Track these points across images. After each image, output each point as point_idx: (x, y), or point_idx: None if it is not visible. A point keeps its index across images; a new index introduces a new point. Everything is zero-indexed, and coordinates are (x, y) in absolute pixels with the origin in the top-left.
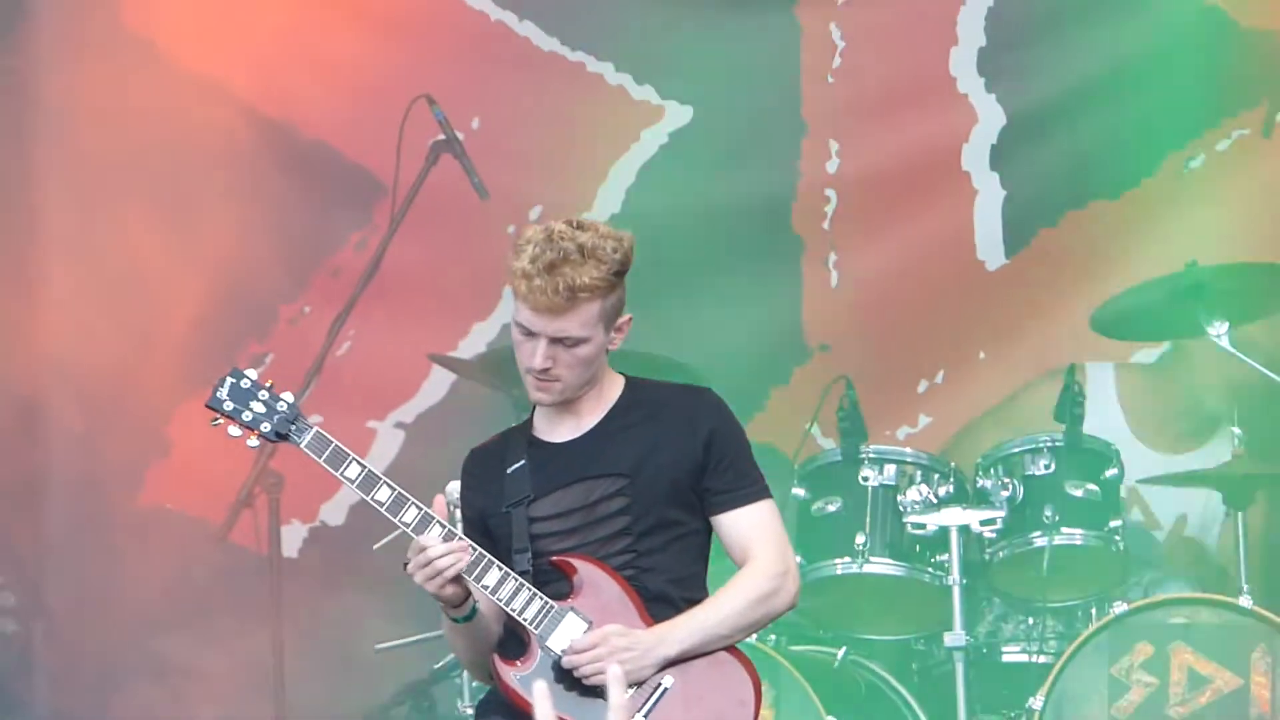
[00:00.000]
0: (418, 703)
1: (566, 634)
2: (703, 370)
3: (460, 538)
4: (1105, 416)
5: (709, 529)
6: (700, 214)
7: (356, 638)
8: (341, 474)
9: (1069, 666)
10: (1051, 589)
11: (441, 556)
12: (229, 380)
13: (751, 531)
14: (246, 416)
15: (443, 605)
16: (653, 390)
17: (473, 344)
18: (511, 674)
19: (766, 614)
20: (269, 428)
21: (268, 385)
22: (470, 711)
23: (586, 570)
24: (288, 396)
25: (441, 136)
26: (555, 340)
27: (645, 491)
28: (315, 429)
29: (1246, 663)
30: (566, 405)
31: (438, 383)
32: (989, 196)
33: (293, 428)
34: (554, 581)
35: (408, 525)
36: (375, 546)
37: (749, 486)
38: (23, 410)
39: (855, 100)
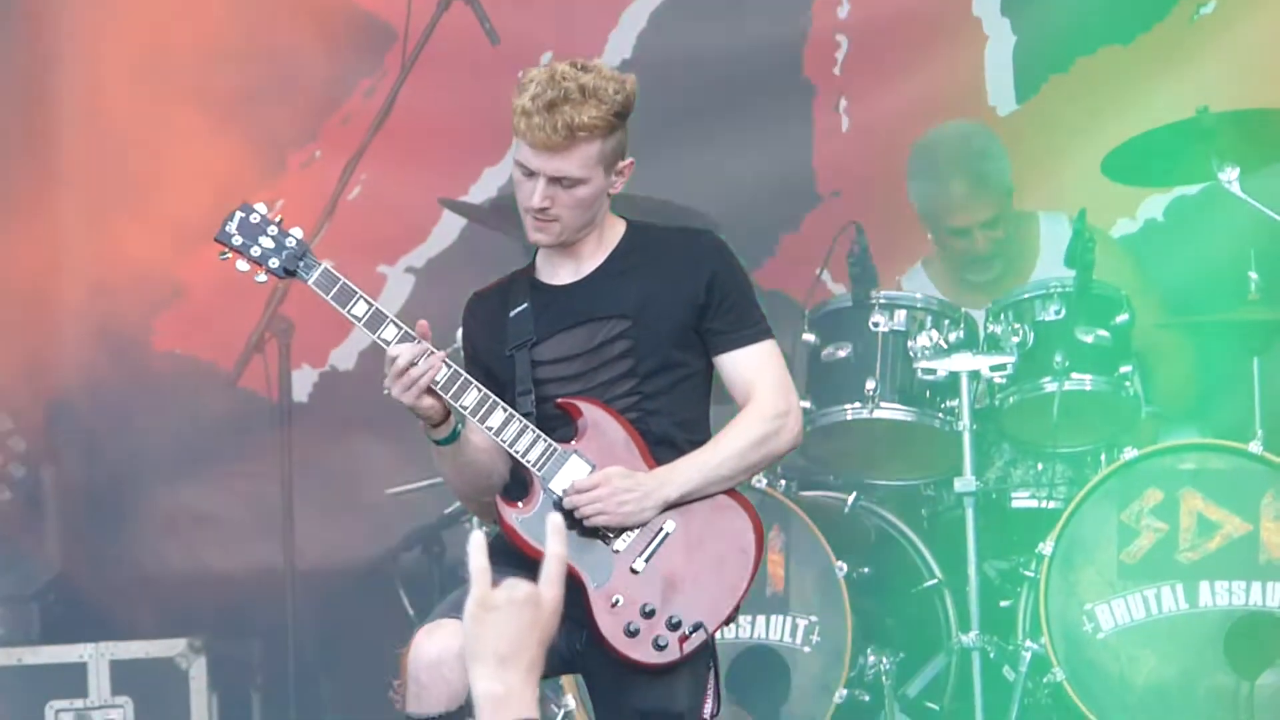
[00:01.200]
0: (427, 547)
1: (569, 476)
2: (713, 216)
3: (431, 349)
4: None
5: (711, 370)
6: (711, 59)
7: (366, 482)
8: (348, 311)
9: (1078, 512)
10: (1061, 435)
11: (410, 364)
12: (238, 214)
13: (752, 372)
14: (255, 251)
15: (424, 426)
16: (654, 234)
17: (484, 188)
18: (513, 515)
19: (767, 455)
20: (277, 263)
21: (277, 220)
22: None
23: (591, 413)
24: (296, 232)
25: None
26: (554, 180)
27: (648, 333)
28: (324, 265)
29: (1256, 508)
30: (567, 248)
31: (448, 227)
32: (1000, 42)
33: (300, 264)
34: (559, 425)
35: None
36: (386, 390)
37: (750, 327)
38: (34, 257)
39: None
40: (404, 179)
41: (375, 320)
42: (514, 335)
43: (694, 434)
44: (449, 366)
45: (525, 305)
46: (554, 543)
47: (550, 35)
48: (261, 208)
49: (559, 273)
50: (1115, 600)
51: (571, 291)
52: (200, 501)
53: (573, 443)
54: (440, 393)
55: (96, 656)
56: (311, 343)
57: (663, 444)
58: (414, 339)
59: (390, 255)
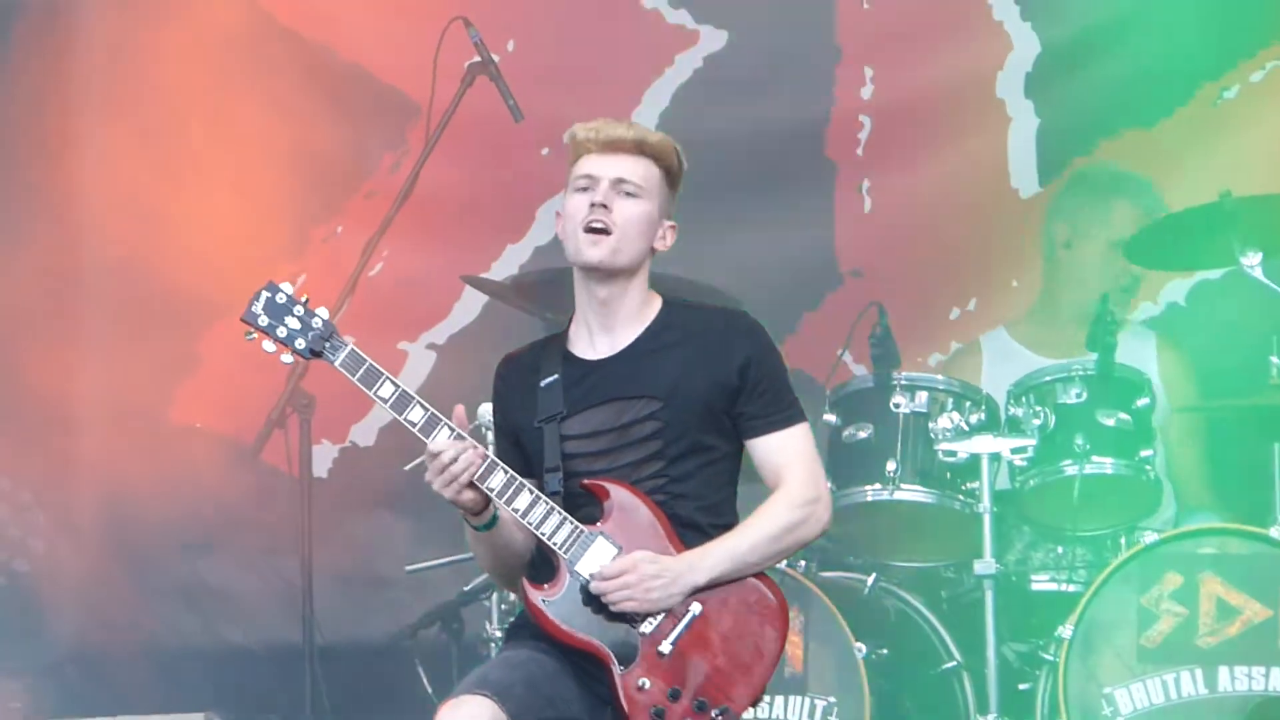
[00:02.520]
0: (447, 624)
1: (596, 559)
2: (735, 295)
3: (473, 443)
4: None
5: (739, 453)
6: (734, 139)
7: (386, 559)
8: (375, 393)
9: (1098, 596)
10: (1082, 518)
11: (453, 461)
12: (264, 294)
13: (785, 457)
14: (281, 332)
15: (463, 513)
16: (689, 312)
17: (505, 266)
18: (539, 597)
19: (796, 541)
20: (303, 344)
21: (303, 300)
22: (499, 634)
23: (619, 494)
24: (322, 313)
25: (477, 58)
26: (616, 184)
27: (679, 415)
28: (350, 346)
29: (1276, 594)
30: (604, 317)
31: (470, 304)
32: (1023, 124)
33: (327, 345)
34: (585, 504)
35: None
36: (405, 468)
37: (784, 411)
38: (53, 328)
39: (890, 26)
40: (426, 255)
41: (402, 402)
42: (544, 407)
43: (719, 518)
44: (496, 466)
45: (556, 376)
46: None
47: (573, 113)
48: (287, 287)
49: (594, 346)
50: (1134, 684)
51: (604, 366)
52: (219, 576)
53: (599, 524)
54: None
55: None
56: (332, 418)
57: (689, 528)
58: (441, 422)
59: (412, 331)
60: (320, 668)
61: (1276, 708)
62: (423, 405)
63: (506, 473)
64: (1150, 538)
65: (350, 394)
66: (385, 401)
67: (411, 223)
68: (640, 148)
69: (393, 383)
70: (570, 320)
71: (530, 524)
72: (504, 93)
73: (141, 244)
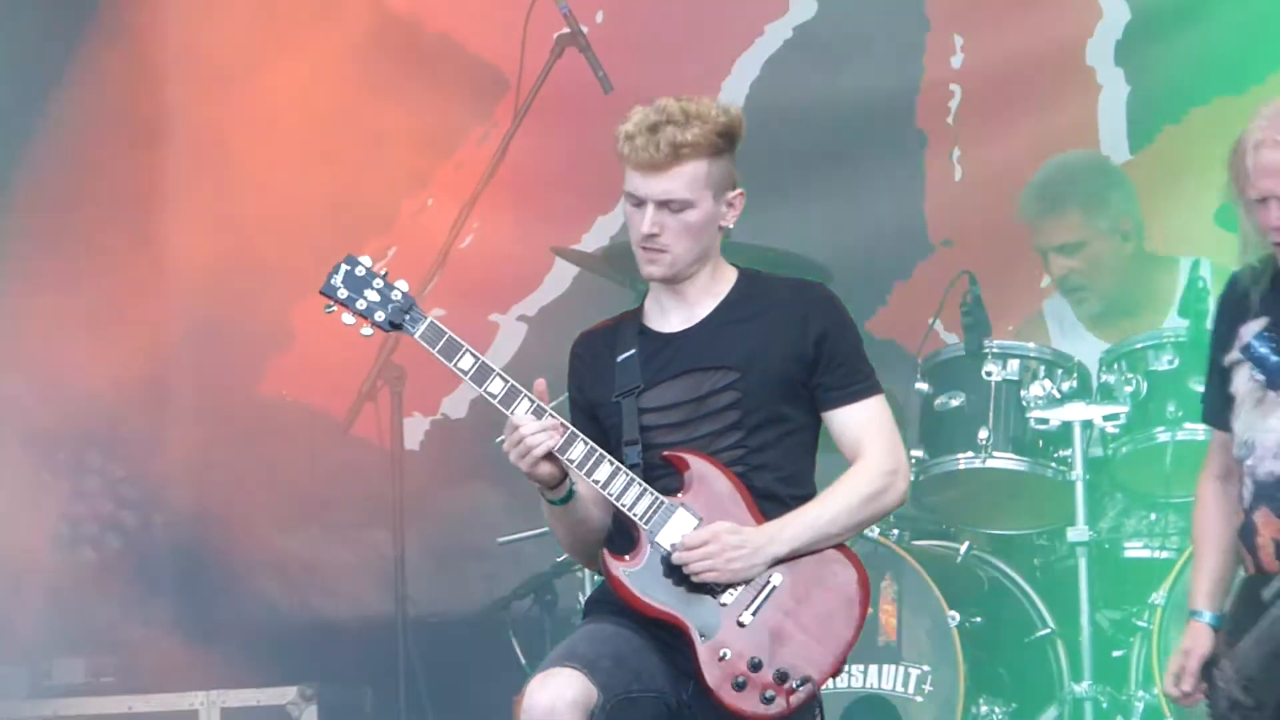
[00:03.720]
0: (540, 596)
1: (676, 529)
2: (826, 265)
3: (551, 415)
4: None
5: (818, 424)
6: (824, 108)
7: (478, 531)
8: (455, 365)
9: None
10: (1174, 485)
11: (533, 434)
12: (343, 267)
13: (863, 428)
14: (360, 305)
15: (539, 487)
16: (765, 283)
17: (596, 237)
18: (620, 568)
19: (876, 511)
20: (382, 316)
21: (382, 273)
22: None
23: (698, 465)
24: (402, 285)
25: (566, 30)
26: (661, 205)
27: (756, 386)
28: (430, 319)
29: None
30: (678, 293)
31: (560, 276)
32: (1113, 92)
33: (406, 317)
34: (664, 476)
35: None
36: (497, 439)
37: (861, 382)
38: (146, 300)
39: None
40: (516, 227)
41: (482, 374)
42: (621, 381)
43: (799, 489)
44: (576, 437)
45: (633, 351)
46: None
47: (663, 83)
48: (366, 260)
49: (669, 319)
50: None
51: (680, 339)
52: (312, 549)
53: (679, 495)
54: (555, 454)
55: (208, 704)
56: (423, 391)
57: (768, 498)
58: (520, 394)
59: (502, 304)
60: (413, 640)
61: None
62: (503, 377)
63: (587, 444)
64: None
65: (441, 367)
66: (465, 373)
67: (501, 195)
68: (677, 157)
69: (473, 355)
70: (646, 295)
71: (610, 495)
72: (593, 64)
73: (233, 217)
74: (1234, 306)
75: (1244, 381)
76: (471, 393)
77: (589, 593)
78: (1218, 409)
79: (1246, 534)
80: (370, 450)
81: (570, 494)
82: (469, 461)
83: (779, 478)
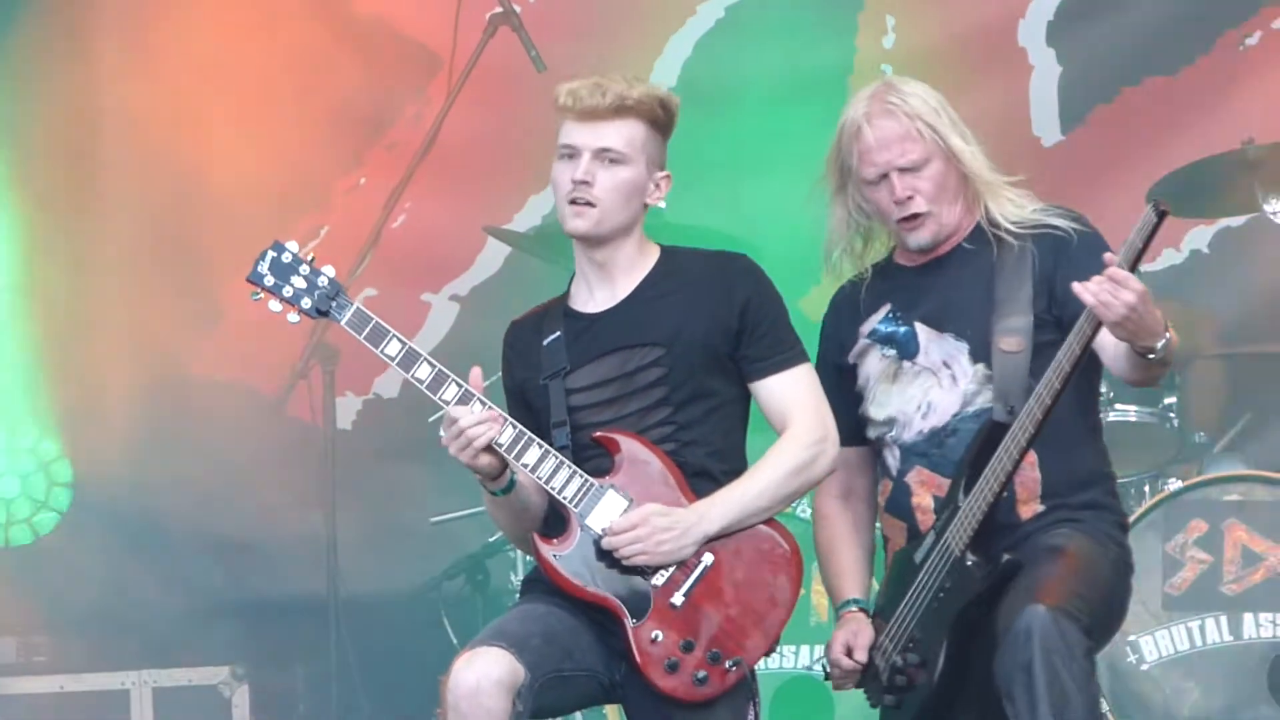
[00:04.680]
0: (472, 575)
1: (606, 512)
2: (758, 244)
3: (490, 407)
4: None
5: (747, 398)
6: (756, 88)
7: (411, 510)
8: (381, 351)
9: None
10: None
11: (472, 426)
12: (270, 254)
13: (789, 398)
14: (287, 292)
15: (480, 478)
16: (687, 258)
17: (528, 217)
18: (550, 552)
19: (805, 482)
20: (309, 303)
21: (309, 259)
22: None
23: (629, 446)
24: (329, 271)
25: (499, 9)
26: (597, 155)
27: (682, 360)
28: (356, 305)
29: None
30: (603, 270)
31: (492, 255)
32: (1045, 72)
33: (333, 304)
34: (595, 457)
35: (447, 402)
36: (430, 419)
37: (785, 352)
38: (78, 281)
39: None
40: (449, 206)
41: (409, 359)
42: (548, 364)
43: (730, 463)
44: (508, 422)
45: (559, 334)
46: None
47: (595, 62)
48: (293, 246)
49: (594, 298)
50: (1159, 632)
51: (604, 318)
52: (244, 529)
53: (609, 476)
54: (505, 452)
55: (139, 684)
56: (356, 370)
57: (700, 475)
58: (448, 379)
59: (434, 283)
60: (345, 620)
61: None
62: (430, 362)
63: (515, 428)
64: (1174, 485)
65: None
66: (392, 359)
67: (434, 174)
68: (620, 110)
69: (399, 340)
70: (571, 280)
71: (540, 478)
72: (526, 43)
73: (164, 198)
74: (844, 317)
75: (874, 364)
76: None
77: (521, 573)
78: (844, 426)
79: (899, 501)
80: (303, 430)
81: (511, 484)
82: (401, 441)
83: (710, 453)
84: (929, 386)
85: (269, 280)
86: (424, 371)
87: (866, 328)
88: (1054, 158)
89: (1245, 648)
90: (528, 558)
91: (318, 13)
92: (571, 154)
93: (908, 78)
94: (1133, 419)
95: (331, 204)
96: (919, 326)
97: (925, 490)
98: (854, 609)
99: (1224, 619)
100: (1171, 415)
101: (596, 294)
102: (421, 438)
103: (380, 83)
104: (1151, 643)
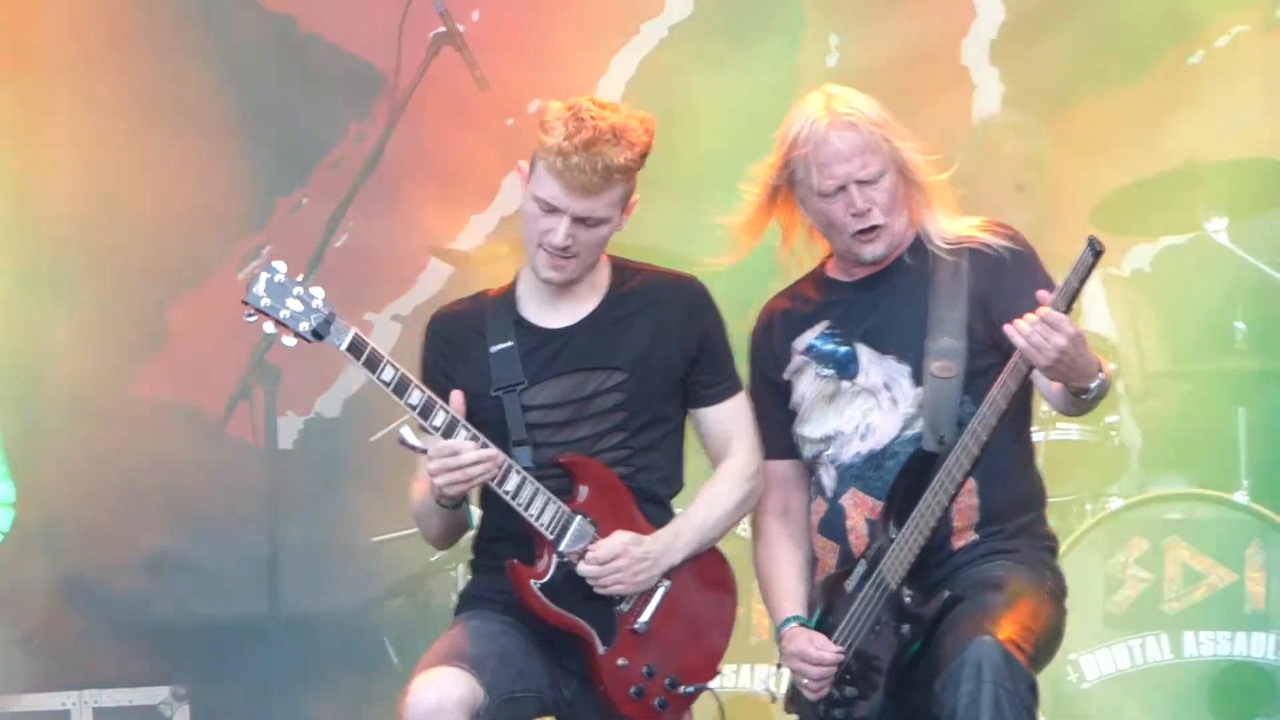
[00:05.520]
0: (413, 595)
1: (576, 539)
2: (706, 263)
3: (479, 438)
4: (1103, 319)
5: (685, 420)
6: (700, 107)
7: (352, 530)
8: (378, 377)
9: (1064, 561)
10: (1047, 483)
11: (473, 464)
12: (264, 275)
13: (733, 426)
14: (283, 314)
15: (438, 496)
16: (643, 277)
17: (471, 236)
18: (535, 584)
19: (745, 512)
20: (307, 327)
21: (299, 280)
22: None
23: (593, 472)
24: (319, 292)
25: (442, 29)
26: (578, 220)
27: (643, 386)
28: (354, 330)
29: (1241, 558)
30: (563, 290)
31: (435, 275)
32: (987, 91)
33: (331, 328)
34: (553, 478)
35: (437, 429)
36: (371, 439)
37: (731, 379)
38: (18, 302)
39: None
40: (392, 226)
41: (401, 386)
42: (499, 375)
43: (674, 487)
44: (504, 463)
45: (510, 344)
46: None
47: (539, 81)
48: (282, 266)
49: (553, 314)
50: (1100, 650)
51: (564, 336)
52: (185, 549)
53: (573, 502)
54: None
55: (80, 704)
56: (297, 390)
57: (650, 500)
58: (436, 405)
59: (377, 303)
60: (286, 639)
61: (1242, 673)
62: (420, 389)
63: (505, 460)
64: (1116, 504)
65: (315, 366)
66: (387, 385)
67: (377, 193)
68: (610, 181)
69: (393, 367)
70: (516, 281)
71: (519, 504)
72: (469, 63)
73: (106, 218)
74: (777, 332)
75: (809, 384)
76: (345, 392)
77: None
78: (768, 438)
79: (833, 523)
80: (244, 449)
81: (465, 500)
82: (342, 461)
83: (660, 478)
84: (868, 408)
85: (265, 302)
86: (415, 398)
87: (802, 343)
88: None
89: (1186, 666)
90: (469, 576)
91: (262, 31)
92: (551, 210)
93: (843, 87)
94: (1074, 437)
95: (274, 222)
96: (860, 347)
97: (860, 513)
98: (795, 625)
99: (1165, 637)
100: (1113, 433)
101: (558, 309)
102: (362, 457)
103: (323, 101)
104: (1093, 661)
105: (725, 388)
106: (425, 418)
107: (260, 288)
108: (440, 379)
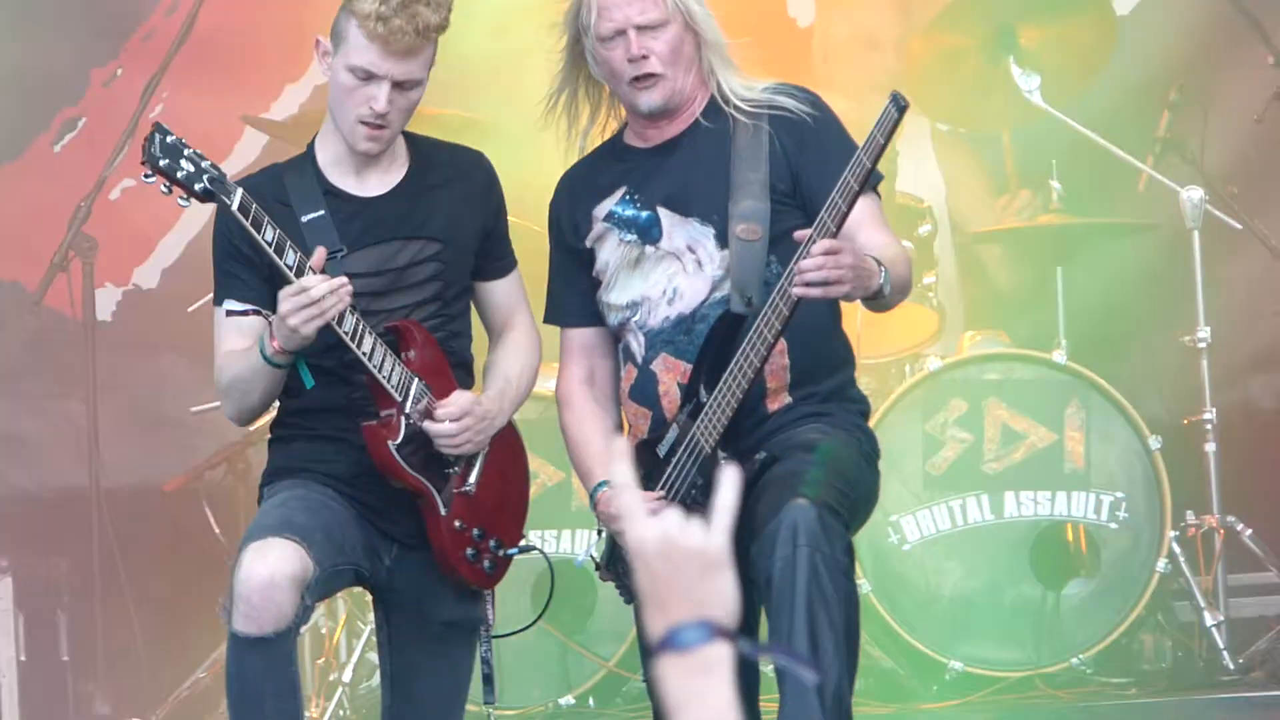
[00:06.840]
0: (232, 465)
1: (414, 400)
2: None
3: (345, 282)
4: (921, 179)
5: None
6: None
7: (171, 401)
8: (262, 237)
9: (883, 423)
10: (865, 345)
11: (326, 295)
12: (158, 136)
13: (513, 299)
14: (181, 174)
15: (277, 350)
16: (440, 150)
17: (285, 105)
18: (392, 445)
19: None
20: (201, 186)
21: (183, 140)
22: None
23: (421, 337)
24: (200, 152)
25: None
26: (397, 84)
27: (456, 258)
28: (242, 189)
29: (1060, 418)
30: (372, 158)
31: (250, 144)
32: None
33: (224, 187)
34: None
35: (290, 267)
36: (190, 309)
37: (510, 255)
38: None
39: None
40: (206, 96)
41: (280, 246)
42: (316, 244)
43: (471, 354)
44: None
45: (322, 212)
46: (727, 494)
47: None
48: (169, 128)
49: (365, 184)
50: (921, 512)
51: (377, 205)
52: (4, 421)
53: (410, 364)
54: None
55: None
56: (115, 261)
57: (459, 366)
58: (307, 265)
59: None
60: (107, 511)
61: (1061, 532)
62: (294, 249)
63: (354, 314)
64: (934, 364)
65: (132, 237)
66: (270, 245)
67: (191, 64)
68: (426, 40)
69: (273, 227)
70: (312, 151)
71: (374, 366)
72: None
73: None
74: (578, 199)
75: (612, 250)
76: (164, 263)
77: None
78: (571, 306)
79: (644, 388)
80: (62, 321)
81: (299, 355)
82: (161, 332)
83: (467, 344)
84: (673, 272)
85: (163, 162)
86: (291, 259)
87: (602, 210)
88: (809, 38)
89: (1007, 526)
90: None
91: None
92: (369, 78)
93: None
94: None
95: (90, 95)
96: (661, 210)
97: (671, 377)
98: (607, 489)
99: (985, 498)
100: (931, 294)
101: (366, 179)
102: (181, 328)
103: None
104: (913, 523)
105: (511, 260)
106: (300, 278)
107: (156, 148)
108: (245, 250)
